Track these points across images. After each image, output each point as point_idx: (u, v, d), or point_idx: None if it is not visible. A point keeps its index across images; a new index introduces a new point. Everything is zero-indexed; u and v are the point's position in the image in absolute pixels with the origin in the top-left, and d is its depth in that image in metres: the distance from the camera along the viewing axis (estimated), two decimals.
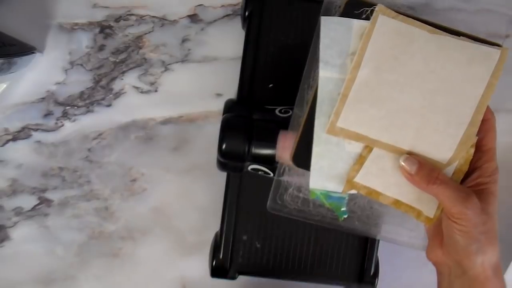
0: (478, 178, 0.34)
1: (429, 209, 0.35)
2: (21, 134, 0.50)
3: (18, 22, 0.49)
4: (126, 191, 0.50)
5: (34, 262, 0.50)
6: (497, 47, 0.35)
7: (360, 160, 0.35)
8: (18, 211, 0.50)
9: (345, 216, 0.39)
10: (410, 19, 0.34)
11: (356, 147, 0.35)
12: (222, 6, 0.51)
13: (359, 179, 0.35)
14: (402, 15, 0.34)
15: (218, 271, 0.47)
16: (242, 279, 0.48)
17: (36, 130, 0.50)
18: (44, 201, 0.50)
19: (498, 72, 0.34)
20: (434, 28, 0.35)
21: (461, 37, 0.35)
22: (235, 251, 0.46)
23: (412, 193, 0.35)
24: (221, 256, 0.46)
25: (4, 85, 0.48)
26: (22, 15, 0.49)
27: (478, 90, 0.34)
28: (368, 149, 0.35)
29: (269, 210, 0.41)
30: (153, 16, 0.51)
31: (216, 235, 0.49)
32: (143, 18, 0.51)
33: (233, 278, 0.47)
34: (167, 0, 0.51)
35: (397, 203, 0.35)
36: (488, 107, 0.35)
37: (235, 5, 0.51)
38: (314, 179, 0.36)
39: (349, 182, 0.35)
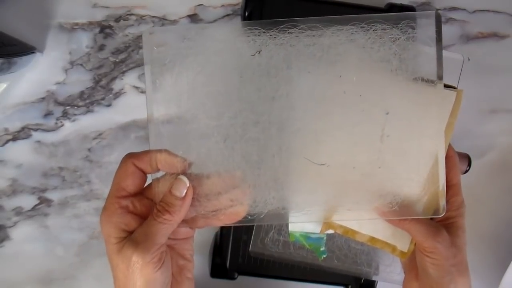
0: (446, 212, 0.35)
1: (403, 244, 0.37)
2: (21, 134, 0.50)
3: (18, 22, 0.49)
4: None
5: (34, 262, 0.50)
6: (452, 89, 0.37)
7: None
8: (18, 211, 0.50)
9: (325, 256, 0.41)
10: None
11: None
12: (222, 6, 0.51)
13: (335, 219, 0.36)
14: None
15: (218, 271, 0.47)
16: (242, 279, 0.48)
17: (36, 130, 0.50)
18: (44, 201, 0.50)
19: (456, 112, 0.36)
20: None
21: (419, 81, 0.37)
22: (235, 251, 0.46)
23: (386, 229, 0.36)
24: (221, 256, 0.46)
25: (4, 85, 0.48)
26: (22, 15, 0.50)
27: (432, 116, 0.36)
28: None
29: (251, 254, 0.43)
30: (153, 16, 0.51)
31: (216, 235, 0.49)
32: (143, 18, 0.51)
33: (233, 278, 0.47)
34: (167, 0, 0.51)
35: (372, 240, 0.37)
36: (450, 145, 0.36)
37: (235, 5, 0.51)
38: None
39: (326, 222, 0.36)
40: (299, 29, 0.33)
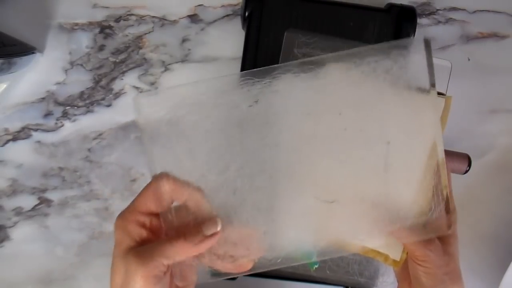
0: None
1: (395, 253, 0.36)
2: (21, 134, 0.50)
3: (18, 22, 0.49)
4: (126, 191, 0.50)
5: (34, 262, 0.50)
6: (441, 95, 0.37)
7: None
8: (18, 211, 0.50)
9: (317, 266, 0.41)
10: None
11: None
12: (222, 6, 0.51)
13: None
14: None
15: (218, 271, 0.47)
16: (242, 279, 0.48)
17: (36, 130, 0.50)
18: (44, 201, 0.50)
19: (445, 118, 0.37)
20: None
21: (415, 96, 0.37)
22: None
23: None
24: None
25: (4, 85, 0.48)
26: (22, 15, 0.50)
27: (430, 136, 0.36)
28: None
29: None
30: (153, 16, 0.51)
31: None
32: (143, 18, 0.51)
33: (233, 278, 0.47)
34: (167, 0, 0.51)
35: (364, 249, 0.36)
36: None
37: (235, 5, 0.51)
38: None
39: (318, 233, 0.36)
40: (293, 74, 0.34)
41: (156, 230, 0.33)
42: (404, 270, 0.37)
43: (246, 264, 0.34)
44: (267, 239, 0.34)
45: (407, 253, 0.36)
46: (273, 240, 0.34)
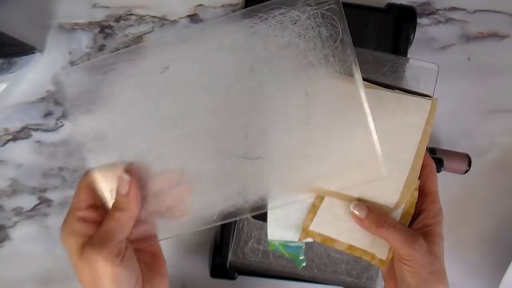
0: (424, 220, 0.36)
1: (382, 252, 0.37)
2: (21, 134, 0.50)
3: (18, 22, 0.49)
4: None
5: (34, 262, 0.50)
6: (428, 97, 0.37)
7: (313, 209, 0.36)
8: (18, 211, 0.50)
9: (304, 264, 0.41)
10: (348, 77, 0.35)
11: (309, 197, 0.37)
12: (222, 6, 0.51)
13: (313, 227, 0.36)
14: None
15: (218, 271, 0.47)
16: (242, 279, 0.48)
17: (36, 130, 0.50)
18: (44, 201, 0.50)
19: (431, 120, 0.37)
20: (370, 84, 0.37)
21: (395, 90, 0.37)
22: (235, 251, 0.46)
23: (364, 237, 0.36)
24: (221, 256, 0.46)
25: (4, 85, 0.48)
26: (22, 15, 0.50)
27: (415, 137, 0.36)
28: (320, 198, 0.36)
29: (231, 264, 0.43)
30: (153, 16, 0.51)
31: (216, 235, 0.49)
32: (143, 18, 0.51)
33: (233, 278, 0.47)
34: (167, 0, 0.51)
35: (351, 248, 0.37)
36: (426, 153, 0.37)
37: (235, 5, 0.51)
38: (271, 230, 0.37)
39: (305, 231, 0.36)
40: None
41: (100, 220, 0.34)
42: (390, 269, 0.37)
43: (183, 212, 0.35)
44: (195, 196, 0.34)
45: (393, 252, 0.36)
46: (203, 197, 0.34)
